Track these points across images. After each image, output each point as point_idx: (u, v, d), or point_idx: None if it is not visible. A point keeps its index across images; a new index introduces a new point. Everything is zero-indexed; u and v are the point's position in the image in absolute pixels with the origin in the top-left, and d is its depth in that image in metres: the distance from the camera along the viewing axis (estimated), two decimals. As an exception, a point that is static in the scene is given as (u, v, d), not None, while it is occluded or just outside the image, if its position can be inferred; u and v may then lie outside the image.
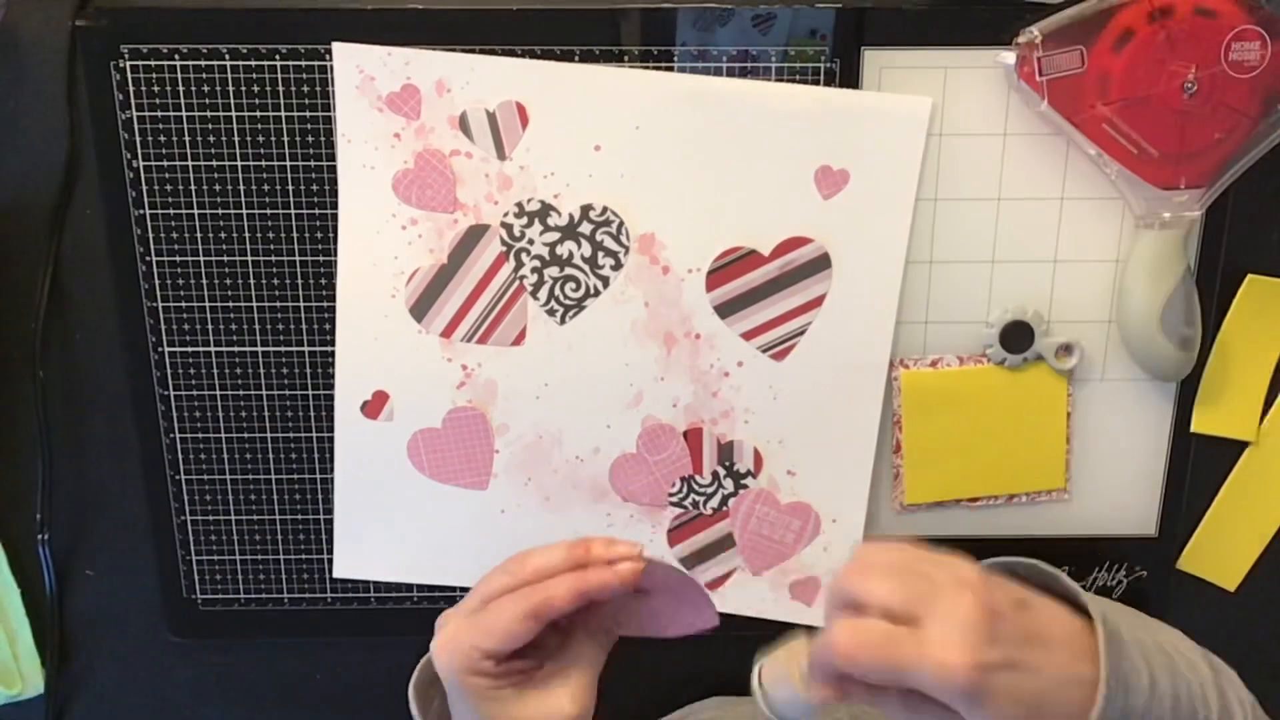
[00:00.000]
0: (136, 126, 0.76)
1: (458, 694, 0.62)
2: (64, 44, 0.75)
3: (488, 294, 0.79)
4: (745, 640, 0.86)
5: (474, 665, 0.61)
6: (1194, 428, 0.82)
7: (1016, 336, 0.80)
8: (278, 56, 0.75)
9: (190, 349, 0.81)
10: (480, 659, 0.61)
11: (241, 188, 0.78)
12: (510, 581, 0.63)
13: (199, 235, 0.79)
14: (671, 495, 0.83)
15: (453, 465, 0.82)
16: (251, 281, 0.80)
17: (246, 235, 0.79)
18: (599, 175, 0.77)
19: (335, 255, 0.79)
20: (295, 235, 0.79)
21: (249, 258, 0.79)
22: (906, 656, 0.53)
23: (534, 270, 0.79)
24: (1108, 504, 0.84)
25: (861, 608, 0.56)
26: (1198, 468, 0.83)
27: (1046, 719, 0.56)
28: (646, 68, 0.75)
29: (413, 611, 0.86)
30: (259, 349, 0.81)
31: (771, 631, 0.85)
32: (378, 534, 0.84)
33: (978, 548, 0.84)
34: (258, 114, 0.76)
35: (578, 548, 0.64)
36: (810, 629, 0.61)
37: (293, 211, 0.78)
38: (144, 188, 0.77)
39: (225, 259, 0.79)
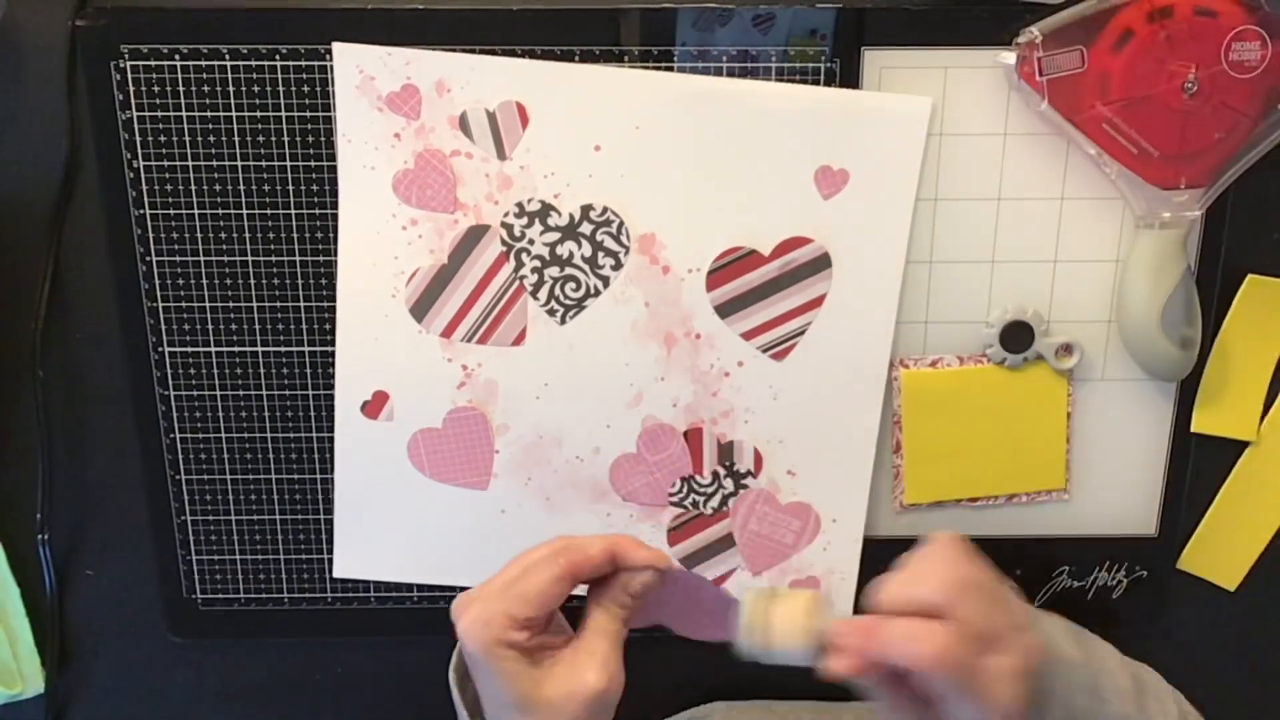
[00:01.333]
0: (136, 126, 0.76)
1: (486, 673, 0.62)
2: (64, 44, 0.75)
3: (488, 294, 0.79)
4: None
5: (506, 637, 0.61)
6: (1194, 428, 0.82)
7: (1016, 336, 0.80)
8: (278, 56, 0.75)
9: (190, 349, 0.81)
10: (513, 629, 0.61)
11: (241, 188, 0.78)
12: (543, 552, 0.64)
13: (199, 235, 0.79)
14: (671, 495, 0.83)
15: (453, 465, 0.82)
16: (251, 281, 0.80)
17: (246, 235, 0.79)
18: (599, 175, 0.77)
19: (335, 255, 0.79)
20: (295, 235, 0.79)
21: (249, 258, 0.79)
22: (980, 682, 0.59)
23: (534, 270, 0.79)
24: (1108, 504, 0.84)
25: (939, 615, 0.60)
26: (1198, 468, 0.83)
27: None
28: (646, 68, 0.75)
29: (413, 611, 0.86)
30: (259, 349, 0.81)
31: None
32: (378, 534, 0.84)
33: (977, 547, 0.84)
34: (258, 114, 0.76)
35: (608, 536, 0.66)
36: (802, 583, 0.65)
37: (293, 211, 0.78)
38: (144, 188, 0.77)
39: (225, 259, 0.79)
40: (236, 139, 0.77)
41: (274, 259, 0.79)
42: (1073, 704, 0.68)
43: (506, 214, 0.77)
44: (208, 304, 0.80)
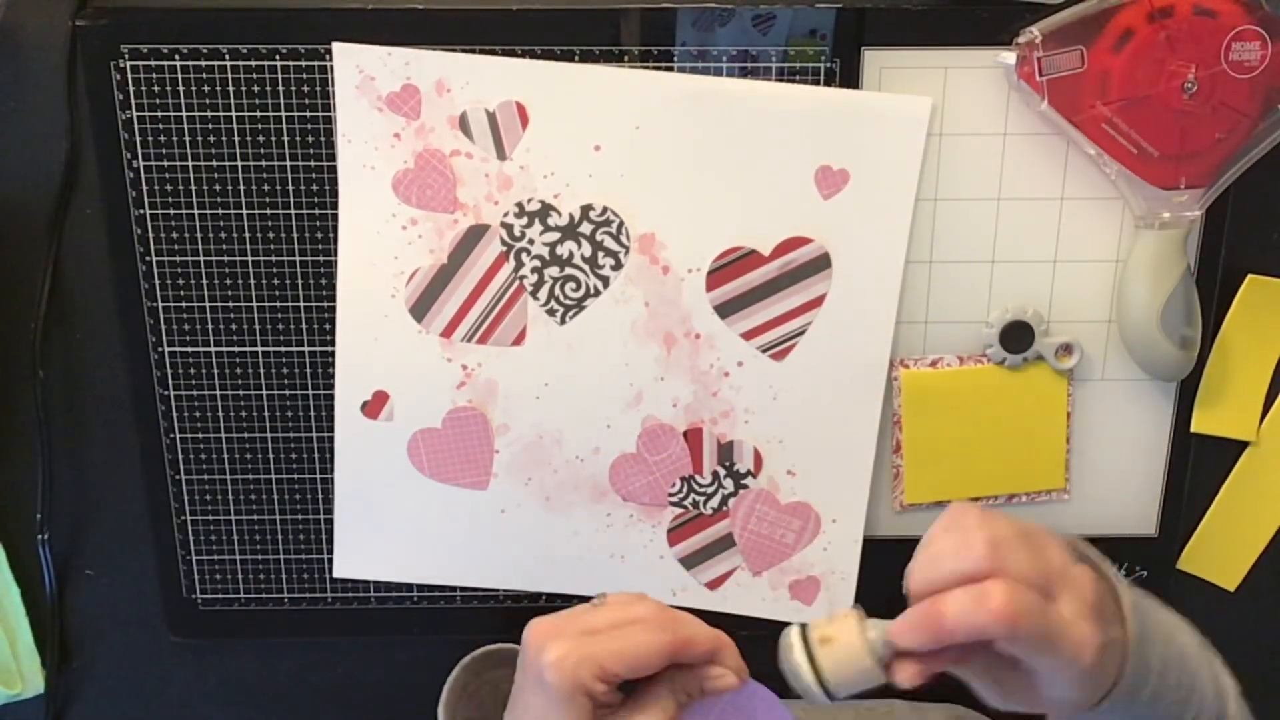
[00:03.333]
0: (136, 126, 0.76)
1: (551, 709, 0.60)
2: (64, 44, 0.75)
3: (488, 294, 0.79)
4: (743, 641, 0.86)
5: (589, 686, 0.59)
6: (1194, 428, 0.82)
7: (1016, 336, 0.80)
8: (278, 56, 0.75)
9: (190, 349, 0.81)
10: (597, 680, 0.59)
11: (241, 188, 0.78)
12: (654, 615, 0.62)
13: (199, 235, 0.79)
14: (671, 495, 0.83)
15: (453, 465, 0.82)
16: (251, 281, 0.80)
17: (246, 235, 0.79)
18: (599, 175, 0.77)
19: (335, 255, 0.79)
20: (295, 235, 0.79)
21: (249, 258, 0.79)
22: (1055, 628, 0.55)
23: (534, 270, 0.79)
24: (1108, 504, 0.84)
25: (991, 576, 0.56)
26: (1198, 468, 0.83)
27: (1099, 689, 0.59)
28: (646, 68, 0.75)
29: (413, 611, 0.86)
30: (259, 349, 0.81)
31: (769, 631, 0.85)
32: (378, 534, 0.84)
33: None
34: (258, 114, 0.76)
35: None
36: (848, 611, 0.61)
37: (293, 211, 0.78)
38: (144, 188, 0.77)
39: (225, 259, 0.79)
40: (236, 139, 0.77)
41: (274, 259, 0.79)
42: (1160, 648, 0.61)
43: (506, 214, 0.77)
44: (208, 304, 0.80)
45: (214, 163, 0.77)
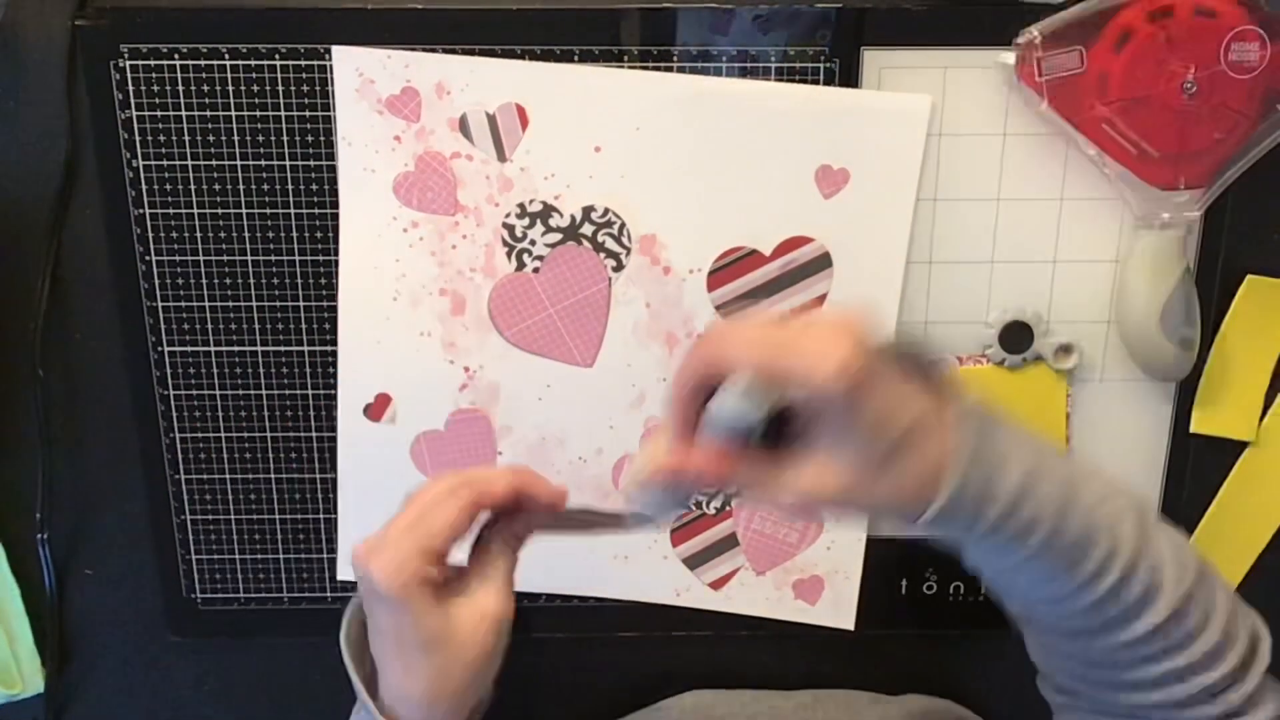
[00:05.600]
0: (136, 126, 0.76)
1: (396, 615, 0.63)
2: (64, 44, 0.75)
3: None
4: (747, 640, 0.87)
5: (419, 572, 0.62)
6: (1194, 428, 0.82)
7: (1016, 336, 0.80)
8: (278, 56, 0.75)
9: (190, 349, 0.81)
10: (424, 564, 0.62)
11: (241, 188, 0.78)
12: (445, 486, 0.64)
13: (199, 235, 0.79)
14: (673, 495, 0.83)
15: (456, 467, 0.82)
16: (251, 281, 0.80)
17: (246, 235, 0.79)
18: (599, 176, 0.77)
19: (335, 255, 0.79)
20: (295, 235, 0.79)
21: (249, 258, 0.79)
22: (787, 349, 0.53)
23: (535, 272, 0.79)
24: (1107, 503, 0.84)
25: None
26: (1198, 468, 0.84)
27: (905, 465, 0.55)
28: (646, 68, 0.75)
29: (413, 611, 0.86)
30: (259, 349, 0.81)
31: (773, 631, 0.85)
32: (379, 534, 0.84)
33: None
34: (258, 114, 0.76)
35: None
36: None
37: (293, 211, 0.78)
38: (144, 188, 0.77)
39: (225, 259, 0.79)
40: (236, 139, 0.77)
41: (274, 259, 0.79)
42: (1015, 477, 0.57)
43: (508, 215, 0.77)
44: (208, 304, 0.80)
45: (214, 163, 0.77)
